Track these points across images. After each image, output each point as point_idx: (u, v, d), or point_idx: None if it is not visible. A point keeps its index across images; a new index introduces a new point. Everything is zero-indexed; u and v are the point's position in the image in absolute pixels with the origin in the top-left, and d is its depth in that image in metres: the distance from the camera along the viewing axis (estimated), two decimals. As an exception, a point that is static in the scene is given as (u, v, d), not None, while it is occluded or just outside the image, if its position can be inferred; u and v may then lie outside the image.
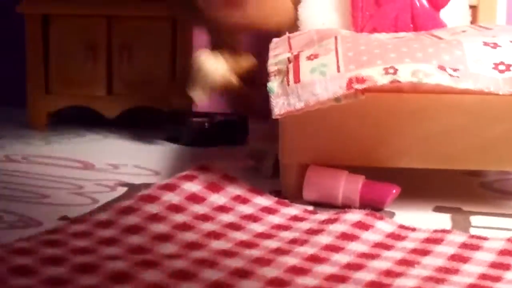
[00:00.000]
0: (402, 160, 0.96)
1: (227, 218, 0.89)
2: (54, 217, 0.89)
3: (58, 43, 1.31)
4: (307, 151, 0.97)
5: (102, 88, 1.32)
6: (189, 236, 0.83)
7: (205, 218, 0.88)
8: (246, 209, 0.92)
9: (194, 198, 0.92)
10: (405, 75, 0.88)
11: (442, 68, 0.90)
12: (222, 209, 0.91)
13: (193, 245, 0.81)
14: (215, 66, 1.11)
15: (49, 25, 1.31)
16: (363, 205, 0.94)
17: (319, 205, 0.95)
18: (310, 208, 0.94)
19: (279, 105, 0.92)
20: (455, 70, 0.90)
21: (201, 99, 1.13)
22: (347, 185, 0.95)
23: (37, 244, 0.77)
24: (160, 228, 0.84)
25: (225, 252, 0.79)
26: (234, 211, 0.91)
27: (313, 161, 0.97)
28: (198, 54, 1.14)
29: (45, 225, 0.87)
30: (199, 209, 0.90)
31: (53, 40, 1.31)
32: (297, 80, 0.92)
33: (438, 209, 0.96)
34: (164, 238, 0.82)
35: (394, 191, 0.96)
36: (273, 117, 0.92)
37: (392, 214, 0.94)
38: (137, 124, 1.32)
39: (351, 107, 0.93)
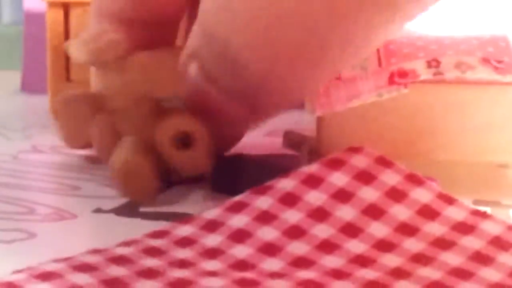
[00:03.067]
0: (442, 153, 0.94)
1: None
2: (88, 209, 0.88)
3: (78, 30, 1.29)
4: (345, 144, 0.94)
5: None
6: (297, 248, 0.69)
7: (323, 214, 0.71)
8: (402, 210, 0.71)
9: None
10: (448, 68, 0.87)
11: (486, 60, 0.88)
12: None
13: (300, 262, 0.68)
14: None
15: (69, 13, 1.30)
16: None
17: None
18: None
19: (320, 103, 0.89)
20: (499, 62, 0.88)
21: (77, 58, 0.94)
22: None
23: (137, 251, 0.69)
24: (268, 233, 0.70)
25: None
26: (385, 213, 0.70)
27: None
28: None
29: (80, 217, 0.86)
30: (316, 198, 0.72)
31: (73, 28, 1.30)
32: (338, 76, 0.90)
33: (477, 203, 0.94)
34: (270, 249, 0.69)
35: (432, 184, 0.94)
36: (315, 115, 0.90)
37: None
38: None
39: (391, 99, 0.91)
